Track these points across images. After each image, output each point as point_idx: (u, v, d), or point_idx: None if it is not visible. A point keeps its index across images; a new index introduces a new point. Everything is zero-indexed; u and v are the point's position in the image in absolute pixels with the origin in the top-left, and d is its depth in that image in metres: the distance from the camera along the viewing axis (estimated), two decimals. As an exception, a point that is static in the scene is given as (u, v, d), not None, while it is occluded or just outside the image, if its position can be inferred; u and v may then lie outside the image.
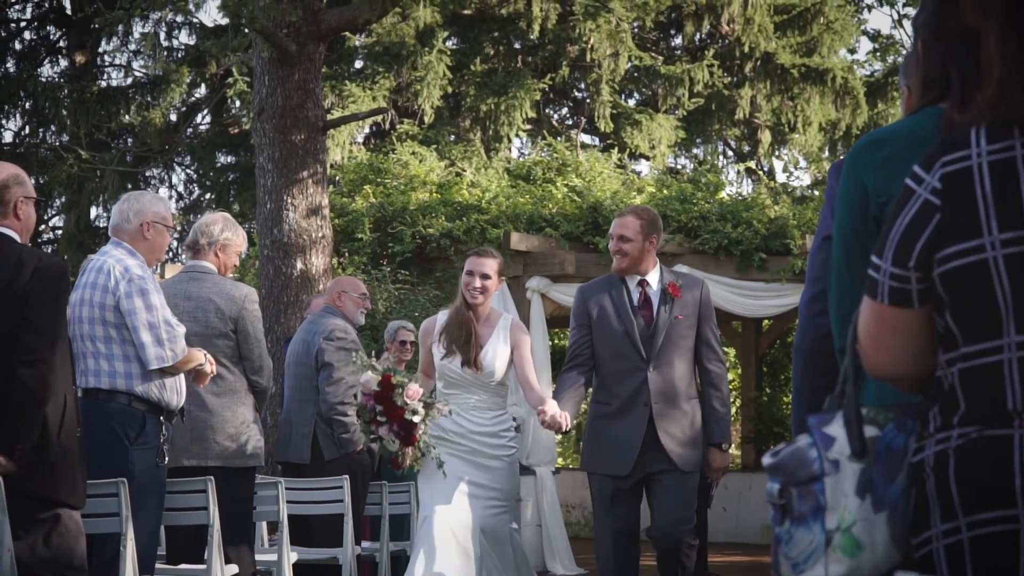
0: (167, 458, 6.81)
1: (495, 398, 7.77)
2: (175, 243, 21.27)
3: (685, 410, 7.50)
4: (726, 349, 24.40)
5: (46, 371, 5.50)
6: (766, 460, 2.71)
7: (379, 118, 20.24)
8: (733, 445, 19.81)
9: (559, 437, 20.58)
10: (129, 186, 21.53)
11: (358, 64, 21.39)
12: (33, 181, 5.86)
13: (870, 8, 26.57)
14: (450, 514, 7.52)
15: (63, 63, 23.50)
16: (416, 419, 7.37)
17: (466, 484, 7.60)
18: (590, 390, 7.74)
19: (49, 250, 23.28)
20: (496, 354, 7.66)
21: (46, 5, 23.39)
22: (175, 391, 6.78)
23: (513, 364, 7.70)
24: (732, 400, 22.16)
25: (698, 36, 22.98)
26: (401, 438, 7.41)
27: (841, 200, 2.86)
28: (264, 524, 9.31)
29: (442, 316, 7.81)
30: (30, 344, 5.47)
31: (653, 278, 7.61)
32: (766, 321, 18.60)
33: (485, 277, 7.70)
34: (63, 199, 22.64)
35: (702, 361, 7.62)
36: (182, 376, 6.85)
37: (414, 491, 9.53)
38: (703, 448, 7.60)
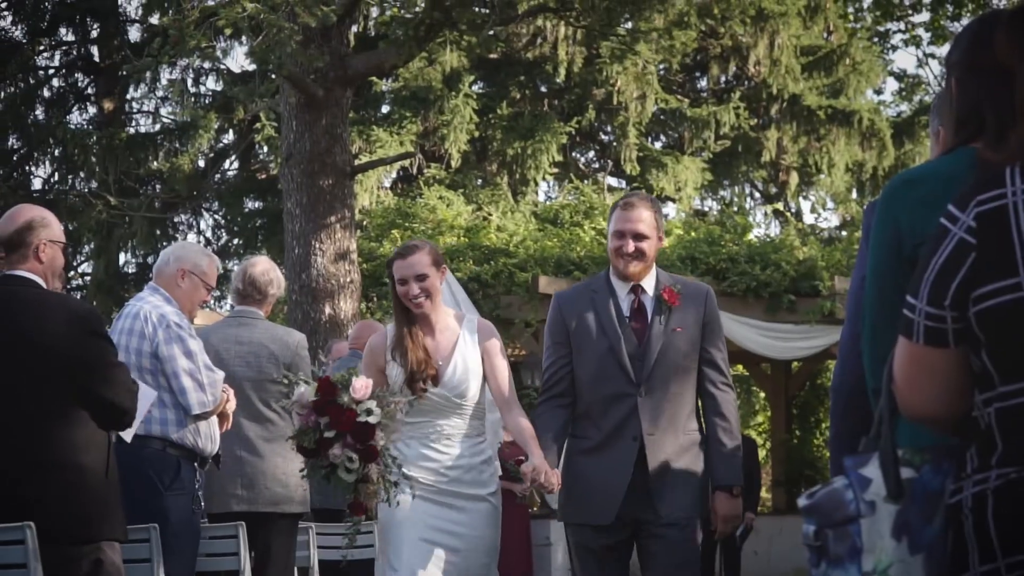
0: (203, 504, 6.79)
1: (472, 422, 6.19)
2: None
3: (685, 446, 6.06)
4: (755, 390, 24.32)
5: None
6: (802, 502, 2.70)
7: (406, 162, 20.32)
8: (764, 487, 19.72)
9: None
10: (158, 232, 21.65)
11: (385, 109, 21.49)
12: (62, 228, 5.78)
13: (895, 48, 26.63)
14: None
15: (92, 110, 23.65)
16: (372, 419, 5.71)
17: (438, 539, 6.03)
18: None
19: (79, 296, 23.35)
20: (467, 367, 6.13)
21: (74, 53, 23.55)
22: (209, 438, 6.77)
23: (485, 377, 6.18)
24: (762, 443, 22.08)
25: (724, 78, 23.06)
26: (360, 452, 5.73)
27: (875, 240, 2.85)
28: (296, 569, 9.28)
29: (391, 329, 6.25)
30: (124, 404, 5.48)
31: (649, 283, 6.13)
32: (795, 363, 18.55)
33: (421, 278, 6.05)
34: (92, 245, 22.75)
35: (705, 385, 6.11)
36: (216, 423, 6.84)
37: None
38: (708, 493, 6.13)
